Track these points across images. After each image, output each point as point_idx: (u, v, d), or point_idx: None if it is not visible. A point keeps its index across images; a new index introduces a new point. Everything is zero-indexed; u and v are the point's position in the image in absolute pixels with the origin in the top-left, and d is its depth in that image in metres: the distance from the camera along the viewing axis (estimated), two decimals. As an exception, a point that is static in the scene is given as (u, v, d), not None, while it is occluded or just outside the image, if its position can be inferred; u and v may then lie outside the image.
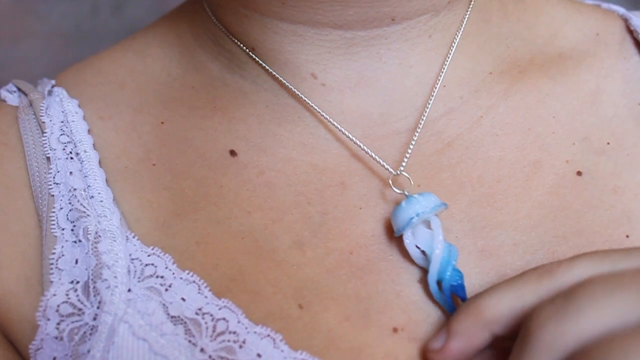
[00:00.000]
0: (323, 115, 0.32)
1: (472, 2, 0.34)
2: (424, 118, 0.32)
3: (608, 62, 0.35)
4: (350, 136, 0.32)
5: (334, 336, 0.28)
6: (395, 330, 0.28)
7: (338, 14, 0.31)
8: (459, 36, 0.33)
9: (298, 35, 0.32)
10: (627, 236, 0.30)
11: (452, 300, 0.28)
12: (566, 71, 0.35)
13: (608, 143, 0.33)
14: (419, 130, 0.32)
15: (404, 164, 0.31)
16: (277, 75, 0.33)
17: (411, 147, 0.31)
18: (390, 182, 0.31)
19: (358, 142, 0.31)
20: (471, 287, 0.29)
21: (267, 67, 0.33)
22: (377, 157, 0.31)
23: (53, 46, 0.68)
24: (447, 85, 0.33)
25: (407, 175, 0.31)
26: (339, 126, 0.32)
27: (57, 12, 0.69)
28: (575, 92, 0.34)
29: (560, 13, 0.37)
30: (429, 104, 0.32)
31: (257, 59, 0.33)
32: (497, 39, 0.35)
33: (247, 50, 0.33)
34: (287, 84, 0.33)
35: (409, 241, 0.29)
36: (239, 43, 0.34)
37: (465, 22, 0.33)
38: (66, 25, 0.70)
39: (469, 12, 0.34)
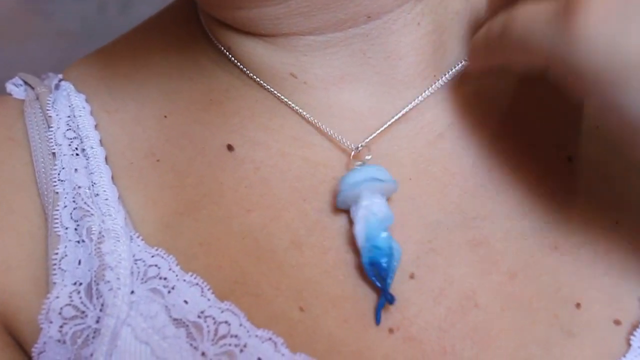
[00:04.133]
0: (298, 111, 0.31)
1: None
2: (404, 111, 0.31)
3: None
4: (317, 127, 0.31)
5: (334, 340, 0.27)
6: (391, 330, 0.27)
7: (301, 24, 0.30)
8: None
9: (269, 43, 0.31)
10: (617, 222, 0.30)
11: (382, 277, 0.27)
12: None
13: (597, 127, 0.32)
14: (390, 122, 0.31)
15: (360, 146, 0.31)
16: (254, 76, 0.32)
17: (376, 133, 0.31)
18: (352, 158, 0.31)
19: (323, 126, 0.31)
20: (462, 277, 0.28)
21: (244, 69, 0.32)
22: (341, 139, 0.31)
23: (59, 45, 0.68)
24: (437, 74, 0.32)
25: (367, 153, 0.30)
26: (308, 116, 0.31)
27: (63, 11, 0.69)
28: None
29: None
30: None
31: (235, 61, 0.33)
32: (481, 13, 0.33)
33: (225, 50, 0.33)
34: (263, 83, 0.32)
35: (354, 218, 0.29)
36: (218, 45, 0.33)
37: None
38: (73, 24, 0.70)
39: None
